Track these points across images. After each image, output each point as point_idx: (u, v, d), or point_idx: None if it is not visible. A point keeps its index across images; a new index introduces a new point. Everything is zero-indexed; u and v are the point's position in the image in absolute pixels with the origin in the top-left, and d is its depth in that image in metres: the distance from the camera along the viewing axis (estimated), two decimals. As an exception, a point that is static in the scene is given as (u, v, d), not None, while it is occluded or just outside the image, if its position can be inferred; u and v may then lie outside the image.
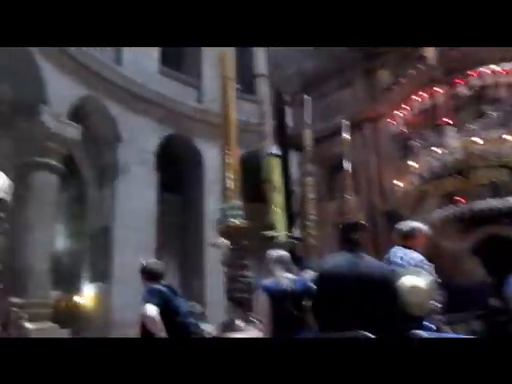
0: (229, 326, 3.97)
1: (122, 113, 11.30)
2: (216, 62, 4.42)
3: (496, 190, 4.70)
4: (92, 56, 10.34)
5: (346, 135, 5.45)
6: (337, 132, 6.38)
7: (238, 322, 3.97)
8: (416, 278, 3.01)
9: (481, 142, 4.79)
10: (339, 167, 6.44)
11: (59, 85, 9.54)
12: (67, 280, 11.27)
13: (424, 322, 2.82)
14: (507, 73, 4.74)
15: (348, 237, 2.88)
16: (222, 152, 4.36)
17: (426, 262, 3.27)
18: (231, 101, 4.71)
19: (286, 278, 3.17)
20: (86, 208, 11.69)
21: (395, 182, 5.45)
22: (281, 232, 4.36)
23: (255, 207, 6.65)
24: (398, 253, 3.14)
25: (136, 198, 11.05)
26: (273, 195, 4.57)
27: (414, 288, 2.78)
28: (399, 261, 3.20)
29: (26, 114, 9.11)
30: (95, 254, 10.99)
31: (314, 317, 2.94)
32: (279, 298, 3.07)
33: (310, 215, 4.90)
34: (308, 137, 5.06)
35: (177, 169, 13.40)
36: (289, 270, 3.34)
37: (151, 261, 3.69)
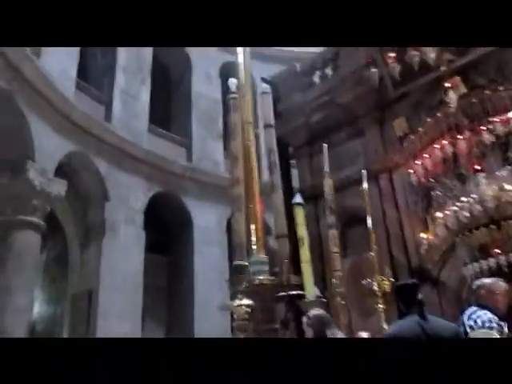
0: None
1: (110, 170, 10.91)
2: (233, 108, 4.11)
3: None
4: (81, 112, 10.09)
5: (365, 186, 5.16)
6: (348, 184, 6.11)
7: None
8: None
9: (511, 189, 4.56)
10: (352, 221, 6.10)
11: (47, 140, 9.16)
12: (44, 351, 10.23)
13: None
14: (533, 119, 4.63)
15: (414, 299, 2.82)
16: (246, 204, 3.91)
17: (495, 320, 3.03)
18: (252, 151, 4.31)
19: None
20: (67, 269, 10.92)
21: (422, 235, 5.12)
22: (311, 290, 3.87)
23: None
24: (467, 312, 2.98)
25: (123, 258, 10.43)
26: (301, 249, 4.10)
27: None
28: (467, 321, 2.98)
29: (10, 169, 8.62)
30: (77, 318, 10.09)
31: None
32: None
33: (336, 271, 4.45)
34: (329, 186, 4.72)
35: (164, 228, 12.88)
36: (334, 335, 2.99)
37: None
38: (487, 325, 2.98)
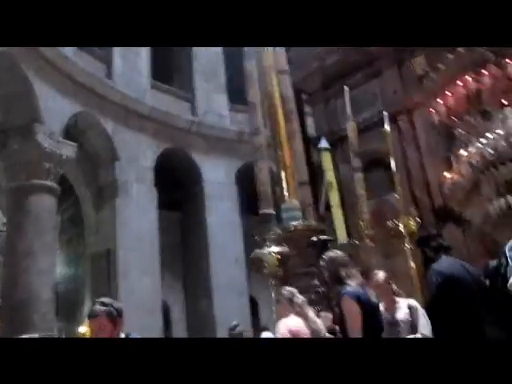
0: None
1: (117, 129, 10.79)
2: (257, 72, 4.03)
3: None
4: (83, 70, 9.85)
5: (387, 128, 5.08)
6: (366, 128, 6.03)
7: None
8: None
9: (539, 123, 4.48)
10: (371, 165, 6.06)
11: (53, 102, 9.00)
12: (69, 309, 10.54)
13: None
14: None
15: (440, 245, 3.12)
16: (275, 151, 3.88)
17: None
18: (276, 96, 4.24)
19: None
20: (82, 230, 11.05)
21: (445, 174, 5.09)
22: (343, 233, 3.91)
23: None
24: (510, 244, 2.98)
25: (137, 217, 10.53)
26: (330, 194, 4.10)
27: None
28: (509, 252, 2.98)
29: (20, 135, 8.53)
30: (98, 279, 10.32)
31: (441, 321, 2.71)
32: (371, 311, 2.80)
33: (364, 214, 4.46)
34: (352, 129, 4.65)
35: (174, 185, 12.90)
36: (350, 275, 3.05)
37: None
38: None
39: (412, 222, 4.85)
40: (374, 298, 2.94)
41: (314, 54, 6.39)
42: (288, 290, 3.53)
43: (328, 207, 5.78)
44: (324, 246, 4.37)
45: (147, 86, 11.92)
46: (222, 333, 10.52)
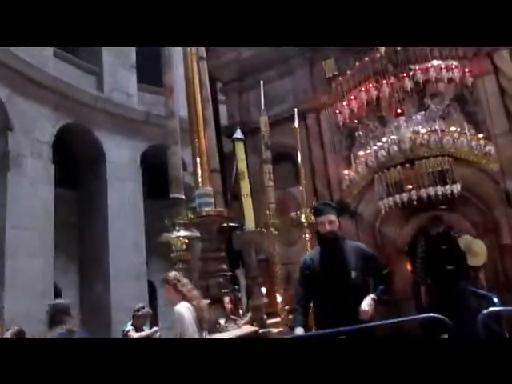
0: (212, 326, 3.62)
1: (12, 97, 9.91)
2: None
3: (439, 178, 5.03)
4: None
5: (296, 124, 5.39)
6: (276, 122, 6.31)
7: (222, 321, 3.64)
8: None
9: (425, 132, 5.09)
10: (278, 158, 6.38)
11: None
12: None
13: None
14: (448, 69, 5.11)
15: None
16: (191, 136, 3.98)
17: None
18: (196, 83, 4.35)
19: None
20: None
21: (345, 172, 5.55)
22: (251, 221, 4.13)
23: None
24: None
25: (31, 194, 9.82)
26: (241, 183, 4.29)
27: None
28: None
29: None
30: (-18, 259, 9.46)
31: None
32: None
33: (270, 204, 4.73)
34: (264, 123, 4.87)
35: (74, 162, 12.22)
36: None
37: None
38: None
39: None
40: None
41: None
42: (172, 274, 3.65)
43: (236, 196, 5.98)
44: (232, 233, 4.58)
45: (49, 53, 11.08)
46: (117, 318, 10.30)
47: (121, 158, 12.43)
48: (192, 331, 3.46)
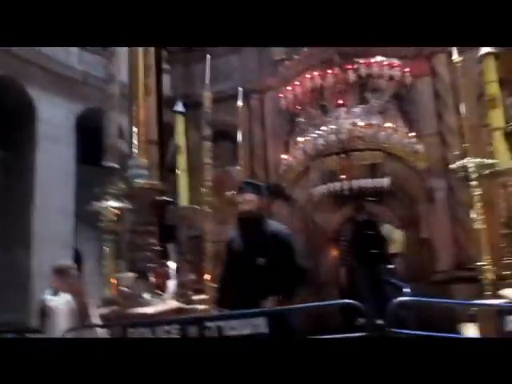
0: (135, 300, 3.58)
1: None
2: None
3: (371, 171, 5.25)
4: None
5: (240, 103, 5.34)
6: (220, 99, 6.22)
7: (146, 296, 3.62)
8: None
9: (363, 125, 5.26)
10: (221, 135, 6.33)
11: None
12: None
13: None
14: (390, 67, 5.28)
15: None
16: (130, 103, 3.86)
17: None
18: (140, 56, 4.23)
19: None
20: None
21: (282, 156, 5.62)
22: (186, 197, 4.10)
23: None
24: None
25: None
26: (178, 157, 4.23)
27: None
28: None
29: None
30: None
31: None
32: None
33: (207, 181, 4.69)
34: (207, 98, 4.78)
35: (2, 119, 11.38)
36: None
37: None
38: None
39: (248, 194, 5.28)
40: None
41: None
42: (64, 264, 3.57)
43: (172, 170, 5.85)
44: (166, 207, 4.51)
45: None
46: (37, 285, 9.87)
47: (54, 118, 11.75)
48: (62, 323, 3.43)
